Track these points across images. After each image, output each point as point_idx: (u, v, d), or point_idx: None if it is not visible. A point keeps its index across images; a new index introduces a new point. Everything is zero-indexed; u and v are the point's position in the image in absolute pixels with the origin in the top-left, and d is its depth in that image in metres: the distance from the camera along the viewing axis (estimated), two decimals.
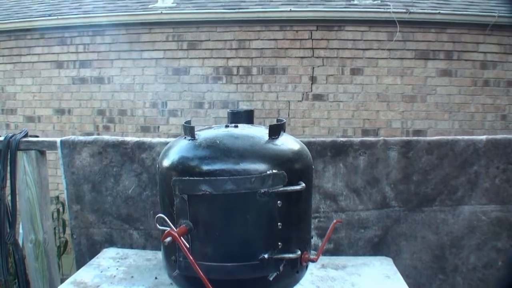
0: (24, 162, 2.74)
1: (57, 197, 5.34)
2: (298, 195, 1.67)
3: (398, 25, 6.75)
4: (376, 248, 2.54)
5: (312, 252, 1.81)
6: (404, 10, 6.81)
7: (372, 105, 7.10)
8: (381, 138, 2.57)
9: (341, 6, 7.28)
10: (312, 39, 7.10)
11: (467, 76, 7.01)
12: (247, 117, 1.98)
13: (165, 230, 1.52)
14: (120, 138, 2.64)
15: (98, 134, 7.06)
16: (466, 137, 2.55)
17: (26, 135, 2.77)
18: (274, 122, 1.83)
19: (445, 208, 2.51)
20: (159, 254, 2.23)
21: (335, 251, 2.52)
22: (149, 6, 7.65)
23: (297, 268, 1.70)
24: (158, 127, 7.54)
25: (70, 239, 2.78)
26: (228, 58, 7.30)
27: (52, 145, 2.71)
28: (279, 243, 1.62)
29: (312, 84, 7.15)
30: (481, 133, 6.10)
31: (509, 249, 2.52)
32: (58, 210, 5.27)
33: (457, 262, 2.55)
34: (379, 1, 7.25)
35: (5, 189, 2.76)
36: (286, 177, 1.60)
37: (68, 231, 4.86)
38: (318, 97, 7.14)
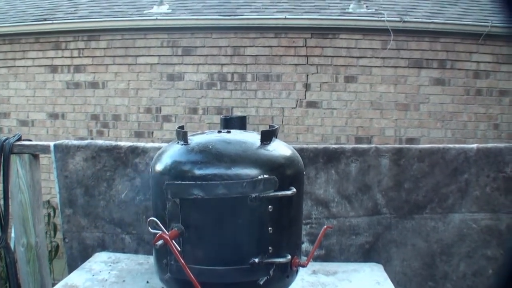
0: (17, 165, 2.74)
1: (48, 201, 5.32)
2: (289, 200, 1.68)
3: (392, 33, 6.79)
4: (367, 255, 2.55)
5: (303, 258, 1.83)
6: (398, 19, 6.86)
7: (365, 113, 7.13)
8: (373, 145, 2.58)
9: (336, 14, 7.32)
10: (307, 47, 7.13)
11: (460, 85, 7.04)
12: (240, 123, 2.00)
13: (157, 233, 1.54)
14: (113, 143, 2.64)
15: (92, 139, 7.06)
16: (457, 145, 2.58)
17: (19, 139, 2.77)
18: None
19: (436, 215, 2.53)
20: (151, 259, 2.23)
21: (327, 258, 2.53)
22: (145, 12, 7.67)
23: (287, 273, 1.71)
24: (152, 132, 7.54)
25: (61, 243, 2.78)
26: (222, 64, 7.32)
27: (45, 149, 2.71)
28: (270, 248, 1.63)
29: (306, 91, 7.17)
30: (473, 142, 6.14)
31: (499, 257, 2.53)
32: (49, 214, 5.26)
33: (447, 269, 2.56)
34: (374, 10, 7.29)
35: None
36: (277, 182, 1.62)
37: (59, 235, 4.85)
38: (312, 104, 7.17)
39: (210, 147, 1.66)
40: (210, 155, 1.63)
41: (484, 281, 2.55)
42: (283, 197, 1.64)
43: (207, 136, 1.79)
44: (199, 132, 1.92)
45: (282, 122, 7.18)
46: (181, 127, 1.79)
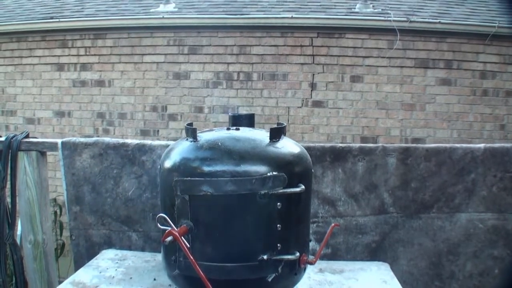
0: (25, 162, 2.75)
1: (55, 200, 5.35)
2: (297, 197, 1.68)
3: (399, 33, 6.77)
4: (373, 254, 2.55)
5: (310, 257, 1.83)
6: (405, 19, 6.84)
7: (371, 113, 7.12)
8: (380, 144, 2.58)
9: (342, 13, 7.31)
10: (313, 46, 7.12)
11: (466, 85, 7.02)
12: (248, 120, 2.00)
13: (165, 229, 1.54)
14: (120, 140, 2.65)
15: (98, 137, 7.06)
16: (464, 145, 2.57)
17: (27, 136, 2.78)
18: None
19: (442, 215, 2.53)
20: (158, 256, 2.24)
21: (333, 256, 2.53)
22: (151, 11, 7.68)
23: (295, 270, 1.72)
24: (158, 131, 7.55)
25: (67, 241, 2.79)
26: (228, 63, 7.31)
27: (53, 146, 2.72)
28: (278, 245, 1.64)
29: (312, 90, 7.17)
30: (479, 143, 6.11)
31: (506, 257, 2.53)
32: (55, 213, 5.27)
33: (454, 269, 2.56)
34: (380, 10, 7.28)
35: (5, 189, 2.77)
36: (286, 179, 1.62)
37: (65, 233, 4.86)
38: (317, 104, 7.16)
39: (219, 144, 1.66)
40: (219, 152, 1.63)
41: (490, 281, 2.54)
42: (291, 194, 1.65)
43: (216, 133, 1.79)
44: (207, 129, 1.92)
45: (288, 121, 7.17)
46: (190, 124, 1.80)
